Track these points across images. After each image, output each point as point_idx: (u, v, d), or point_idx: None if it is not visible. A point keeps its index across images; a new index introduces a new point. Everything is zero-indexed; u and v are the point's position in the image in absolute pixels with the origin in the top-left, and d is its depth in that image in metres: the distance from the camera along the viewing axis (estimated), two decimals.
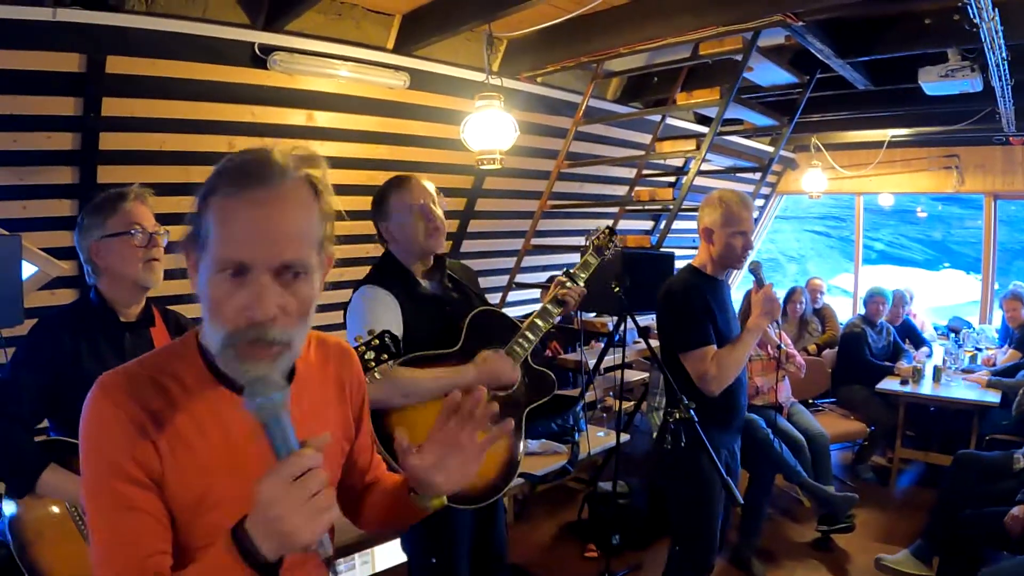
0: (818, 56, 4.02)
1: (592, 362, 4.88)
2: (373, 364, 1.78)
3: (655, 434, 2.81)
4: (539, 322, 2.38)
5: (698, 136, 4.41)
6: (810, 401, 5.45)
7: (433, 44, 3.99)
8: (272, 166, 0.97)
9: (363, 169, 4.28)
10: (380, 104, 4.10)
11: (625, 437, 3.89)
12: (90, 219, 2.02)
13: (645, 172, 5.80)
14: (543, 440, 3.71)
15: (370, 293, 2.21)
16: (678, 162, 5.80)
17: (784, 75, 4.41)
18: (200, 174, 3.20)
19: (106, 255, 2.01)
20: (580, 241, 4.50)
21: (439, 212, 2.29)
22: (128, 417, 0.97)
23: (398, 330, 2.14)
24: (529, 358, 2.37)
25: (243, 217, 0.95)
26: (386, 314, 2.17)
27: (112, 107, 3.25)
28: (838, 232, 14.79)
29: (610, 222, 4.73)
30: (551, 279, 2.61)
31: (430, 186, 2.32)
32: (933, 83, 4.23)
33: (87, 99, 3.17)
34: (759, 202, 8.10)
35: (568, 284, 2.47)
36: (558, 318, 2.49)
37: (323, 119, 4.04)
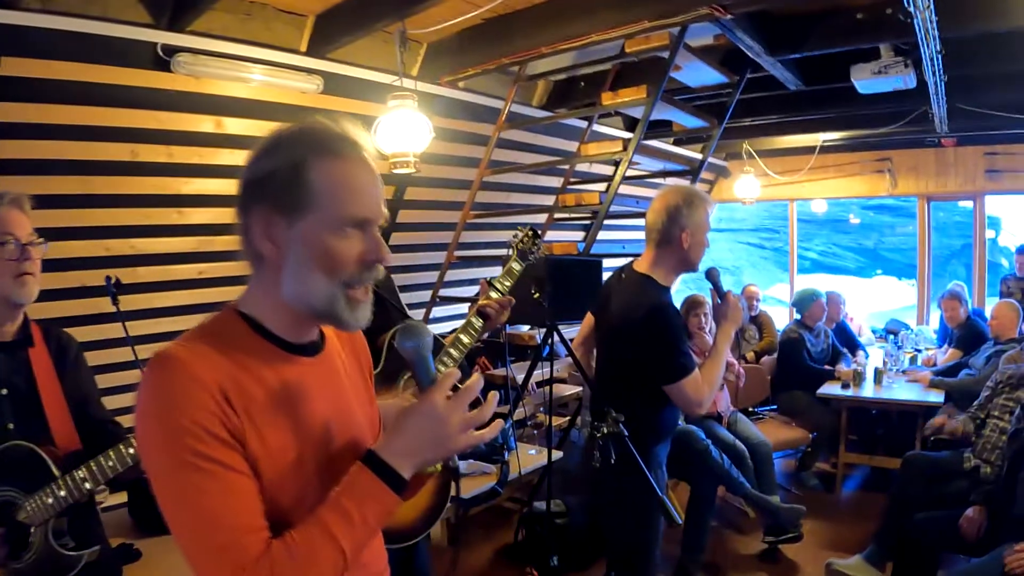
0: (748, 54, 4.14)
1: (521, 377, 4.80)
2: None
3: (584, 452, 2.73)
4: (463, 338, 2.32)
5: (626, 141, 4.40)
6: (750, 409, 5.55)
7: (348, 46, 4.00)
8: (356, 136, 1.16)
9: None
10: (293, 110, 4.04)
11: (559, 454, 3.83)
12: None
13: (572, 180, 5.86)
14: (470, 460, 3.68)
15: None
16: (607, 170, 5.84)
17: (714, 75, 4.53)
18: (102, 184, 3.06)
19: None
20: (505, 252, 4.43)
21: None
22: (203, 383, 1.01)
23: None
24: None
25: (361, 179, 1.13)
26: None
27: (7, 112, 3.15)
28: (771, 243, 15.30)
29: (524, 218, 4.71)
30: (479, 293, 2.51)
31: None
32: (866, 80, 4.39)
33: None
34: None
35: (491, 294, 2.40)
36: (485, 333, 2.43)
37: (232, 126, 3.98)
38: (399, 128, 3.71)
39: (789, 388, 5.52)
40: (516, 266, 2.49)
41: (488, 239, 5.93)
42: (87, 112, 3.39)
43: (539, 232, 2.59)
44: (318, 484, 1.10)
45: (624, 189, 5.63)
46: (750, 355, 6.22)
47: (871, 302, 12.67)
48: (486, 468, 3.62)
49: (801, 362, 5.54)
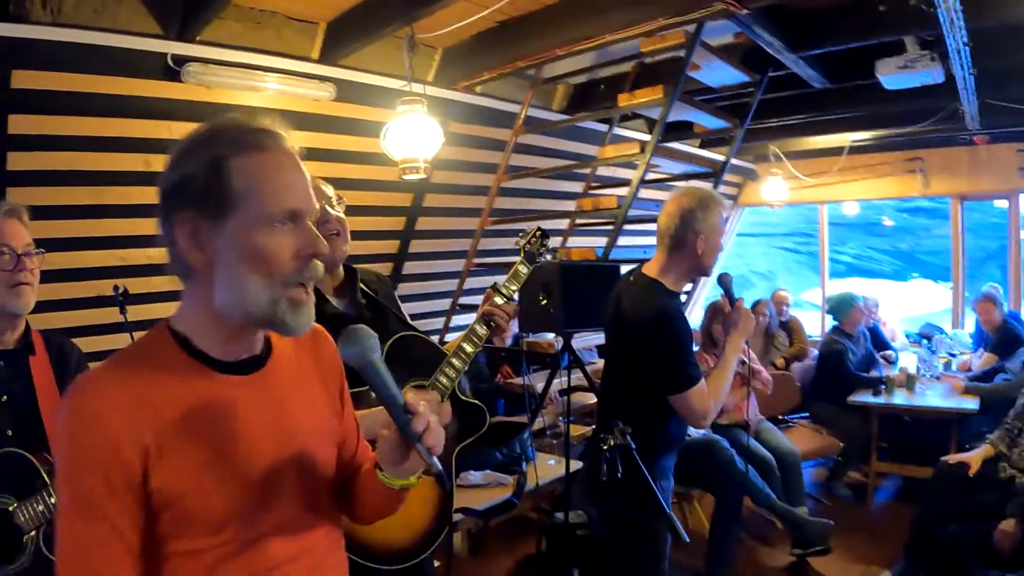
0: (768, 51, 4.00)
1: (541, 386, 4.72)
2: None
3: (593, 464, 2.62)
4: (466, 347, 2.16)
5: (644, 143, 4.30)
6: (780, 417, 5.35)
7: (360, 53, 3.97)
8: (275, 129, 1.12)
9: None
10: (307, 118, 4.04)
11: (580, 464, 3.72)
12: None
13: (594, 185, 5.74)
14: (487, 471, 3.59)
15: None
16: (629, 174, 5.72)
17: (735, 74, 4.43)
18: (115, 195, 3.06)
19: None
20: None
21: (337, 214, 2.09)
22: (106, 422, 0.99)
23: None
24: (457, 389, 2.18)
25: (287, 171, 1.09)
26: None
27: (18, 124, 3.16)
28: (807, 248, 15.08)
29: (545, 224, 4.55)
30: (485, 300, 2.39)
31: (328, 189, 2.12)
32: (891, 76, 4.24)
33: None
34: None
35: (496, 300, 2.25)
36: (491, 341, 2.32)
37: None
38: (409, 133, 3.67)
39: (826, 396, 5.33)
40: (523, 269, 2.34)
41: (507, 245, 5.83)
42: (98, 123, 3.41)
43: (547, 232, 2.45)
44: (255, 498, 1.08)
45: (646, 193, 5.54)
46: (779, 361, 6.08)
47: (907, 306, 12.40)
48: (502, 479, 3.54)
49: (845, 372, 5.32)
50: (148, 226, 3.41)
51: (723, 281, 2.65)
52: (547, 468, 3.83)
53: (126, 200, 3.69)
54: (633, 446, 2.14)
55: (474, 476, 3.55)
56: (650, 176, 5.36)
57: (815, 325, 7.83)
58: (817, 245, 8.27)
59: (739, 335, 2.54)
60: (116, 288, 2.94)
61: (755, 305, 6.15)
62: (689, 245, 2.45)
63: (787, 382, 5.46)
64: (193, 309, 1.10)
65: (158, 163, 3.62)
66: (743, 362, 4.58)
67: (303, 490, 1.15)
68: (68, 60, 3.08)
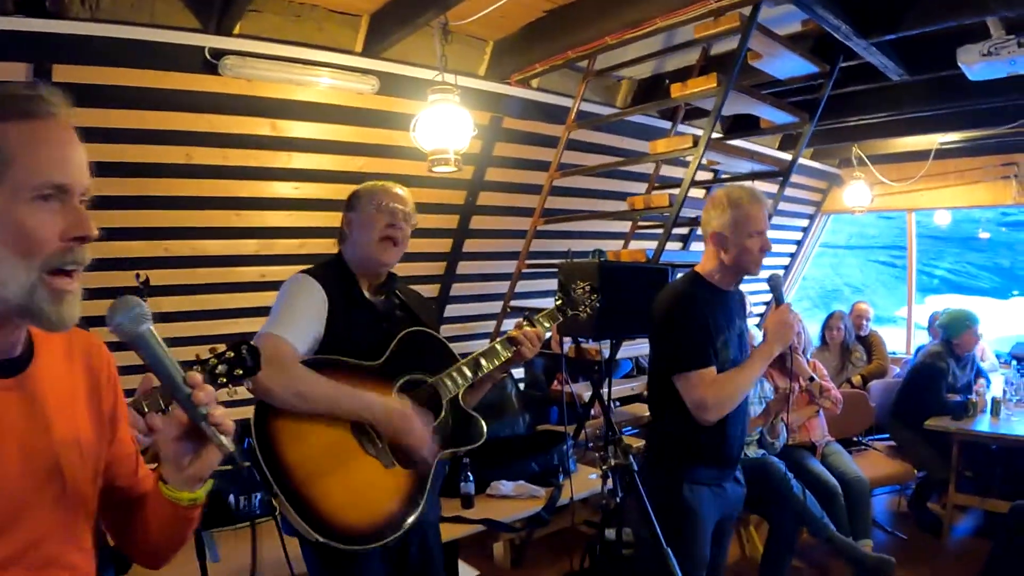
0: (836, 36, 3.65)
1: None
2: (225, 380, 1.49)
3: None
4: (482, 360, 2.21)
5: (697, 138, 4.02)
6: (855, 439, 4.94)
7: (402, 44, 3.89)
8: (51, 95, 1.00)
9: (336, 183, 4.14)
10: (350, 111, 4.00)
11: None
12: None
13: (656, 186, 5.47)
14: (520, 482, 3.40)
15: (300, 280, 2.10)
16: (697, 176, 5.42)
17: (802, 64, 4.10)
18: (159, 186, 3.14)
19: None
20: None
21: (406, 229, 2.20)
22: None
23: (317, 326, 2.03)
24: (460, 398, 2.19)
25: (55, 141, 0.98)
26: (307, 305, 2.06)
27: None
28: (904, 262, 14.46)
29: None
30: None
31: (410, 202, 2.24)
32: (975, 65, 3.83)
33: None
34: (801, 221, 7.66)
35: (525, 326, 2.30)
36: (511, 365, 2.32)
37: (289, 128, 3.95)
38: (438, 124, 3.55)
39: (907, 418, 4.82)
40: (559, 315, 2.45)
41: (559, 248, 5.60)
42: (140, 116, 3.46)
43: (598, 290, 2.55)
44: (6, 508, 0.97)
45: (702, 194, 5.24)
46: (856, 378, 5.65)
47: (1007, 325, 11.65)
48: (535, 491, 3.37)
49: (936, 394, 4.77)
50: (193, 218, 3.47)
51: (770, 282, 2.53)
52: (588, 482, 3.62)
53: (170, 192, 3.75)
54: (635, 468, 1.94)
55: (505, 487, 3.39)
56: (708, 176, 5.09)
57: (899, 341, 7.31)
58: (914, 260, 7.73)
59: (774, 342, 2.38)
60: (137, 276, 2.92)
61: (829, 318, 5.79)
62: (720, 241, 2.42)
63: (861, 401, 5.04)
64: None
65: (200, 155, 3.70)
66: (811, 378, 4.28)
67: (55, 516, 1.03)
68: (108, 54, 3.14)
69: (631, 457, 2.00)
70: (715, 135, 4.31)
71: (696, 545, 2.41)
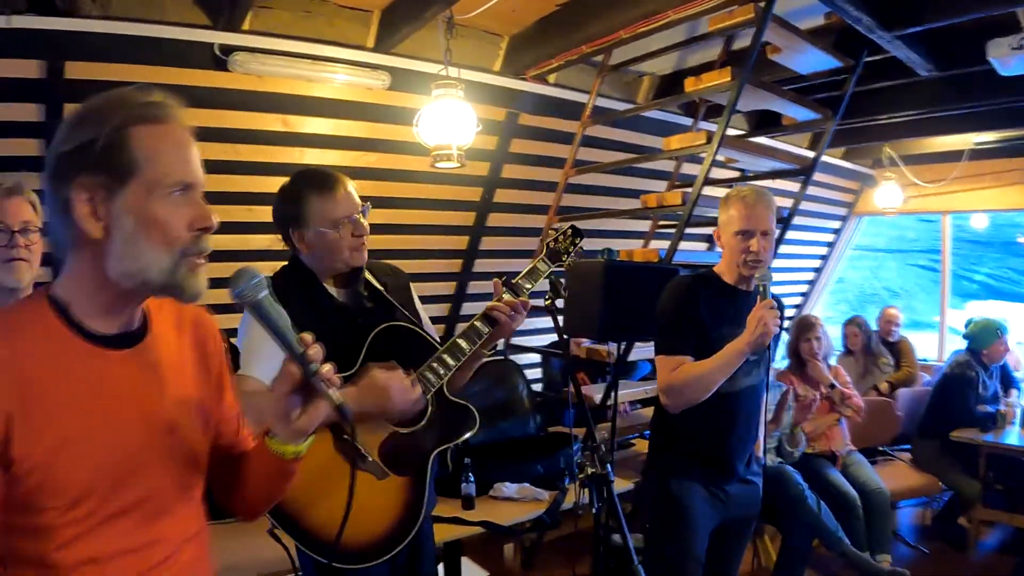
0: (858, 29, 3.50)
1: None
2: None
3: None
4: (462, 343, 2.01)
5: (711, 133, 3.90)
6: (880, 448, 4.78)
7: (413, 39, 3.82)
8: (169, 100, 1.13)
9: (351, 178, 4.02)
10: (361, 106, 3.97)
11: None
12: None
13: (677, 184, 5.34)
14: (524, 484, 3.35)
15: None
16: (722, 174, 5.29)
17: (825, 59, 3.96)
18: None
19: None
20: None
21: (366, 224, 2.03)
22: None
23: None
24: (445, 388, 2.03)
25: (181, 142, 1.11)
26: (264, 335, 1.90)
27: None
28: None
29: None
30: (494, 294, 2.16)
31: (354, 192, 2.03)
32: (1006, 59, 3.66)
33: (49, 105, 3.25)
34: (832, 223, 7.46)
35: (504, 296, 2.03)
36: (495, 341, 2.10)
37: (301, 124, 3.95)
38: (442, 119, 3.49)
39: (934, 429, 4.65)
40: (542, 266, 2.16)
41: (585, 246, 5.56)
42: None
43: (580, 232, 2.28)
44: (116, 475, 1.08)
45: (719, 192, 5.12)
46: (884, 386, 5.46)
47: None
48: (539, 494, 3.31)
49: (965, 404, 4.61)
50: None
51: (757, 280, 2.43)
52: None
53: None
54: (612, 478, 1.87)
55: (508, 489, 3.35)
56: (729, 174, 4.96)
57: (931, 348, 7.09)
58: (955, 265, 7.48)
59: (743, 337, 2.25)
60: None
61: (848, 322, 5.60)
62: (718, 239, 2.50)
63: (887, 409, 4.88)
64: (80, 277, 1.09)
65: (211, 151, 3.69)
66: (832, 385, 4.14)
67: (169, 471, 1.16)
68: (118, 52, 3.17)
69: (608, 467, 1.93)
70: (736, 132, 4.18)
71: (684, 541, 2.38)
